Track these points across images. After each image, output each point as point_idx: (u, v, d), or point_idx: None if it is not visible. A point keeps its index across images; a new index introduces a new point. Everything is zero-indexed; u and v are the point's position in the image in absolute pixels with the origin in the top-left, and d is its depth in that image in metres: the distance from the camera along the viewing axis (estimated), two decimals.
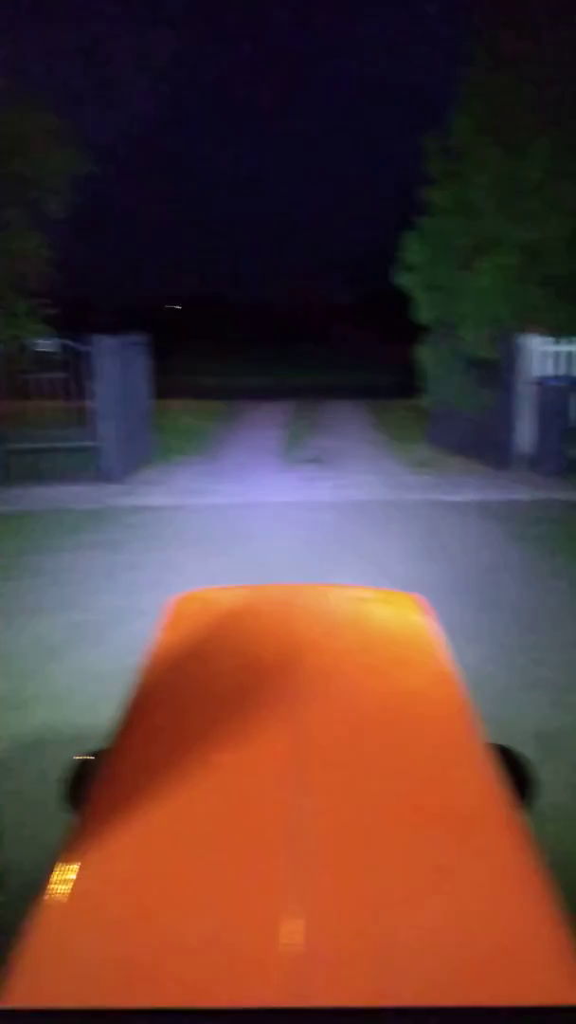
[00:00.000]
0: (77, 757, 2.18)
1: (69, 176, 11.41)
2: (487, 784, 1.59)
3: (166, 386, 16.04)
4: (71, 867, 1.36)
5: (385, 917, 1.23)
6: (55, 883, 1.33)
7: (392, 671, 2.15)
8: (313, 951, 1.16)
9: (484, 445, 11.63)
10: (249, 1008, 1.08)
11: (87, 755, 2.14)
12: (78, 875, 1.35)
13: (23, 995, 1.12)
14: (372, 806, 1.50)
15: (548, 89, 10.50)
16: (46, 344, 10.87)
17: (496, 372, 11.35)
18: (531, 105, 10.59)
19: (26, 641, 5.76)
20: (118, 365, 10.79)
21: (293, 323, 47.63)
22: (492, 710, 2.62)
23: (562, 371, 11.23)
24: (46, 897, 1.30)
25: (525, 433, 11.24)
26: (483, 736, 1.77)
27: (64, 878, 1.34)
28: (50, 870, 1.38)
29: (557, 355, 11.28)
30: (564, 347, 11.22)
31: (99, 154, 12.06)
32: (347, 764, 1.64)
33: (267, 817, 1.46)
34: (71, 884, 1.33)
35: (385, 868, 1.34)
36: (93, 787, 1.62)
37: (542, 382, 10.91)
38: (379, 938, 1.19)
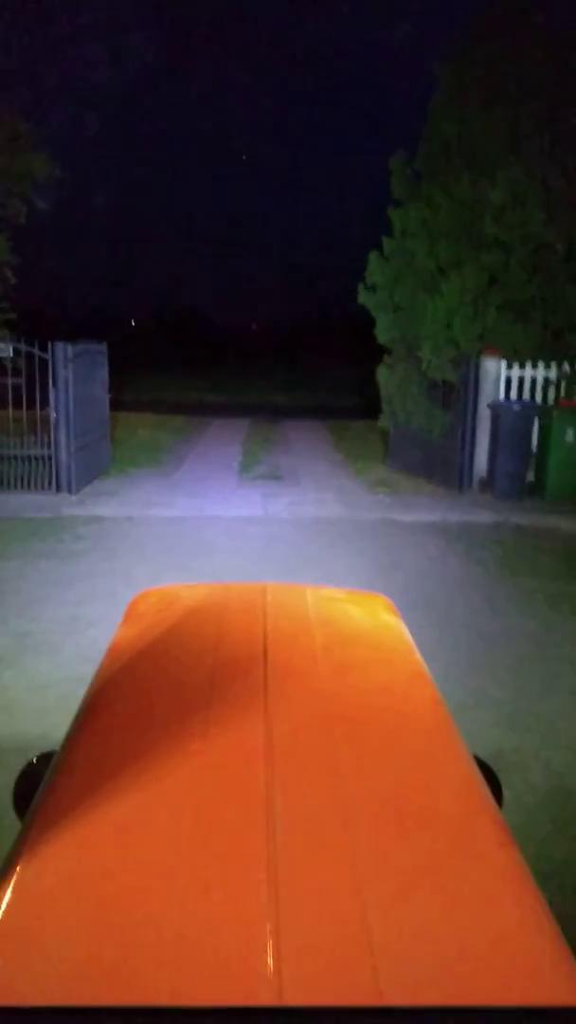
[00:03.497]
0: (32, 760, 2.08)
1: (34, 180, 11.32)
2: (469, 783, 1.54)
3: (125, 399, 15.95)
4: (24, 864, 1.28)
5: (367, 914, 1.16)
6: (6, 880, 1.24)
7: (364, 669, 2.09)
8: (291, 948, 1.09)
9: (442, 467, 11.71)
10: (221, 1007, 1.02)
11: (38, 757, 2.05)
12: (32, 871, 1.26)
13: None
14: (351, 802, 1.43)
15: (513, 116, 10.68)
16: (3, 350, 10.70)
17: (455, 395, 11.45)
18: (497, 131, 10.77)
19: None
20: (76, 373, 10.66)
21: (255, 341, 47.79)
22: None
23: (519, 395, 11.36)
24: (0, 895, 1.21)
25: (482, 456, 11.34)
26: (459, 735, 1.72)
27: (16, 875, 1.25)
28: (0, 866, 1.30)
29: (515, 379, 11.40)
30: (522, 371, 11.36)
31: (69, 160, 12.01)
32: (322, 761, 1.56)
33: (239, 813, 1.39)
34: (24, 880, 1.24)
35: (368, 865, 1.27)
36: (47, 785, 1.53)
37: (500, 406, 11.03)
38: (362, 935, 1.12)
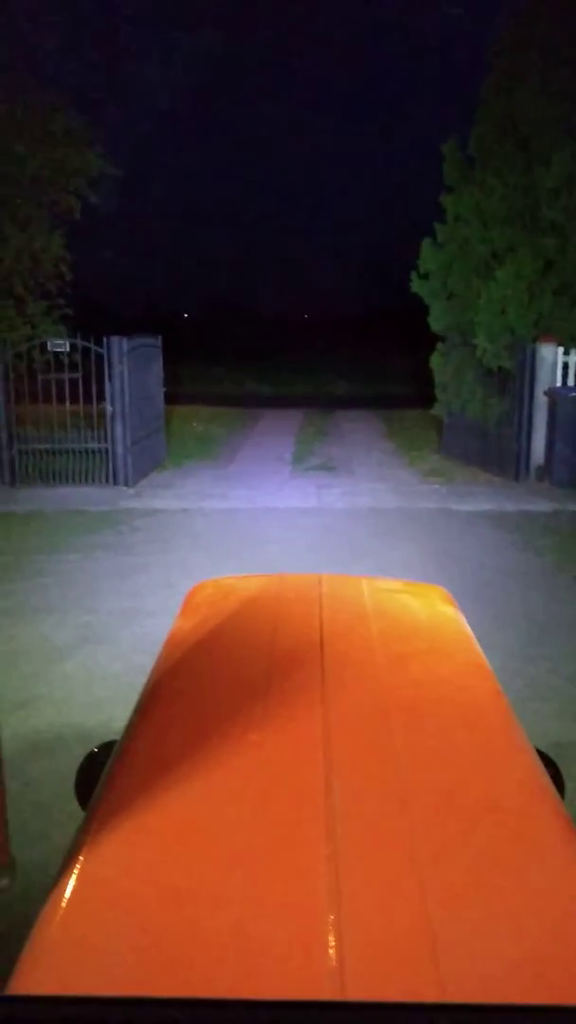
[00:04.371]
0: (93, 749, 2.11)
1: (88, 177, 11.44)
2: (531, 775, 1.51)
3: (179, 392, 16.05)
4: (87, 853, 1.29)
5: (429, 907, 1.14)
6: (70, 869, 1.25)
7: (422, 660, 2.07)
8: (353, 942, 1.08)
9: (497, 455, 11.56)
10: (283, 1001, 1.00)
11: (99, 746, 2.08)
12: (95, 861, 1.28)
13: (36, 982, 1.05)
14: (410, 794, 1.41)
15: (569, 98, 10.46)
16: (60, 345, 10.85)
17: (511, 382, 11.29)
18: (552, 114, 10.56)
19: (33, 641, 5.72)
20: (132, 367, 10.76)
21: (305, 332, 47.61)
22: None
23: None
24: (61, 883, 1.22)
25: (539, 444, 11.16)
26: (520, 727, 1.69)
27: (80, 864, 1.26)
28: (64, 856, 1.31)
29: (572, 365, 11.17)
30: None
31: (119, 158, 12.12)
32: (381, 752, 1.55)
33: (298, 803, 1.38)
34: (88, 870, 1.26)
35: (429, 857, 1.25)
36: (107, 775, 1.54)
37: (558, 392, 10.84)
38: (424, 929, 1.11)
